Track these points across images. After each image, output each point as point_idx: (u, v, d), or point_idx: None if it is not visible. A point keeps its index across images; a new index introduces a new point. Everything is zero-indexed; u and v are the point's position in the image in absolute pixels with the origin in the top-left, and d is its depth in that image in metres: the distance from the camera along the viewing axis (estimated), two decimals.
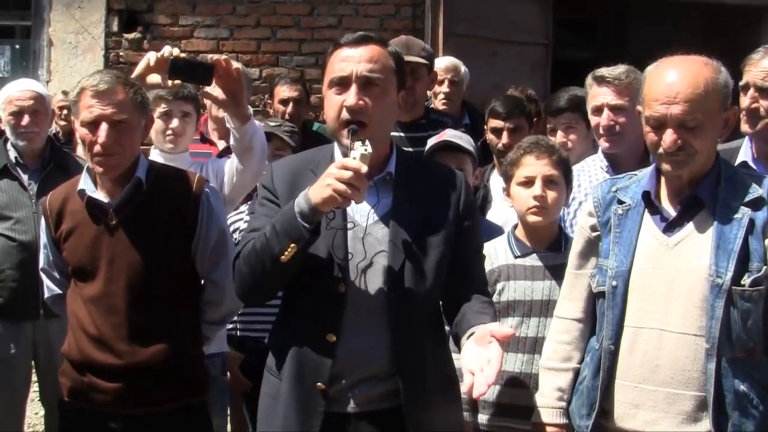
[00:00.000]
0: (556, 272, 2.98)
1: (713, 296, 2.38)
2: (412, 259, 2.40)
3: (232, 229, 3.83)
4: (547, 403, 2.72)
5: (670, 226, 2.51)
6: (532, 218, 3.04)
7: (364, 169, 2.19)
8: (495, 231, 3.33)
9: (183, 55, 2.98)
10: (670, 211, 2.52)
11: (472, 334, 2.28)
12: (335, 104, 2.39)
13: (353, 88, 2.37)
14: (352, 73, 2.37)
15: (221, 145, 4.67)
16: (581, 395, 2.64)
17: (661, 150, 2.43)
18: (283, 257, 2.25)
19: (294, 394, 2.39)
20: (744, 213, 2.42)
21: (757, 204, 2.44)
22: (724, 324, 2.38)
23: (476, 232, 2.62)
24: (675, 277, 2.45)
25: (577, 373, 2.70)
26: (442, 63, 5.27)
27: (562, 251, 3.03)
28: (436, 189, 2.50)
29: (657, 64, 2.53)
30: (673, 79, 2.41)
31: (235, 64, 3.08)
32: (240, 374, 3.81)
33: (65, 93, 6.06)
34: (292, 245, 2.24)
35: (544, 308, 2.97)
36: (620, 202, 2.60)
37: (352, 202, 2.23)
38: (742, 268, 2.39)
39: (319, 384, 2.36)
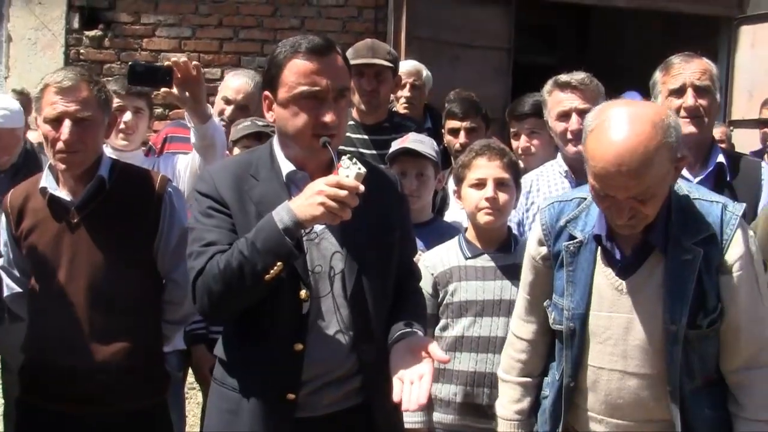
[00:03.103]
0: (507, 272, 3.05)
1: (670, 344, 2.34)
2: (369, 258, 2.40)
3: None
4: (505, 414, 2.74)
5: (623, 270, 2.41)
6: (484, 218, 3.06)
7: (362, 188, 2.13)
8: (455, 231, 3.34)
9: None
10: (623, 252, 2.43)
11: (401, 338, 2.32)
12: (305, 116, 2.30)
13: (330, 103, 2.30)
14: (328, 88, 2.30)
15: None
16: (544, 412, 2.64)
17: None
18: (267, 276, 2.17)
19: (261, 407, 2.34)
20: (696, 254, 2.32)
21: (709, 241, 2.34)
22: (683, 365, 2.35)
23: (412, 234, 2.69)
24: (631, 321, 2.40)
25: (535, 386, 2.70)
26: (404, 67, 5.28)
27: (512, 252, 3.09)
28: (379, 191, 2.43)
29: (601, 124, 2.25)
30: (622, 158, 2.17)
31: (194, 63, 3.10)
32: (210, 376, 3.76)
33: (17, 92, 5.95)
34: (279, 263, 2.17)
35: (496, 308, 3.03)
36: (571, 237, 2.49)
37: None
38: (697, 307, 2.34)
39: (289, 395, 2.32)
